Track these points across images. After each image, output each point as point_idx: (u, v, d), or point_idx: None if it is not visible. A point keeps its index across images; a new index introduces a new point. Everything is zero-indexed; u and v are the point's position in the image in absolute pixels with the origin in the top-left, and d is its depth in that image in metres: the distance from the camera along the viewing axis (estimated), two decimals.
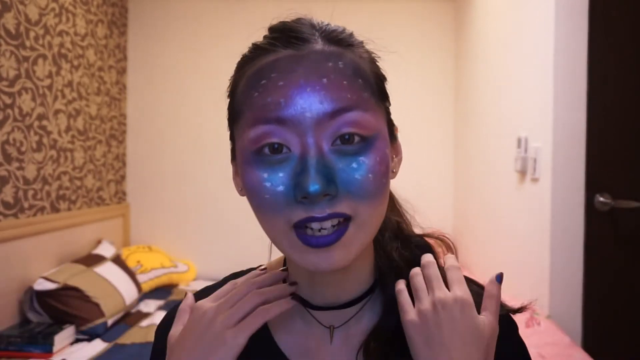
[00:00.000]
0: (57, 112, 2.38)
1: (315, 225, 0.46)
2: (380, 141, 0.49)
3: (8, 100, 2.04)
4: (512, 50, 2.17)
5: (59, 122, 2.40)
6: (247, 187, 0.49)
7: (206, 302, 0.51)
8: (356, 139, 0.47)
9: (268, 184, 0.46)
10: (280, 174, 0.46)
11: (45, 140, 2.29)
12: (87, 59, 2.66)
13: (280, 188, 0.46)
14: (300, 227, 0.46)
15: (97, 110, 2.78)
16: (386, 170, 0.48)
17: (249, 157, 0.48)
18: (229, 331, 0.48)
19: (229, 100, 0.54)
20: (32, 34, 2.18)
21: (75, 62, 2.55)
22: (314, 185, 0.43)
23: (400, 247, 0.58)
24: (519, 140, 2.00)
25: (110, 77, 2.94)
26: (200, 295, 0.62)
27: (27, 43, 2.16)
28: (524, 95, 2.02)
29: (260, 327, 0.56)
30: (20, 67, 2.11)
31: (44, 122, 2.28)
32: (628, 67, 1.70)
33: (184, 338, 0.50)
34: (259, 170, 0.47)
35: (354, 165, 0.46)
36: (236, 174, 0.55)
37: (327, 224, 0.46)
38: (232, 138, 0.54)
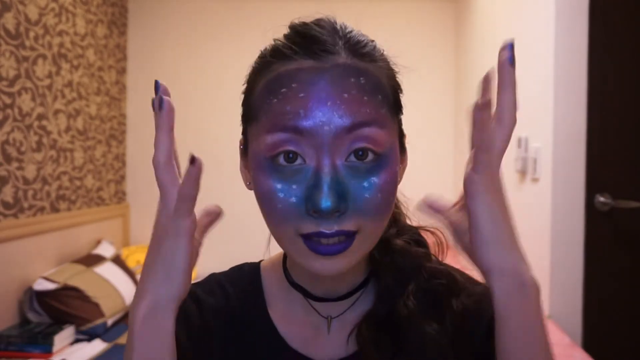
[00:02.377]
0: (56, 112, 2.38)
1: (323, 240, 0.47)
2: (392, 159, 0.50)
3: (8, 100, 2.04)
4: None
5: (59, 122, 2.40)
6: (259, 193, 0.50)
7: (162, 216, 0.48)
8: (370, 155, 0.47)
9: (281, 195, 0.47)
10: (294, 186, 0.47)
11: (45, 140, 2.29)
12: (87, 58, 2.66)
13: (293, 200, 0.47)
14: (308, 238, 0.47)
15: (97, 110, 2.78)
16: (394, 189, 0.50)
17: (264, 164, 0.48)
18: (170, 220, 0.45)
19: (243, 98, 0.54)
20: (31, 34, 2.18)
21: (75, 62, 2.55)
22: (326, 202, 0.44)
23: (397, 235, 0.61)
24: (519, 140, 2.00)
25: (110, 77, 2.94)
26: (206, 282, 0.64)
27: (27, 43, 2.15)
28: (524, 95, 2.01)
29: (263, 317, 0.59)
30: (20, 67, 2.11)
31: (44, 122, 2.28)
32: (628, 67, 1.70)
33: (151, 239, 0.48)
34: (272, 179, 0.48)
35: (365, 184, 0.47)
36: (245, 167, 0.56)
37: (334, 239, 0.47)
38: (245, 134, 0.54)
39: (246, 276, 0.64)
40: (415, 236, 0.62)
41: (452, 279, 0.59)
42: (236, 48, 3.05)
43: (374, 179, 0.47)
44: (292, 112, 0.46)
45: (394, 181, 0.49)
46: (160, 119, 0.46)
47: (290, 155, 0.47)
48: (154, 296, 0.45)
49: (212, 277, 0.65)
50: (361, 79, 0.48)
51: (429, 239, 0.63)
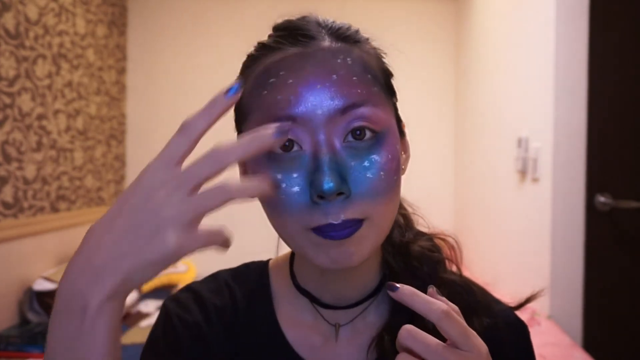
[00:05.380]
0: (56, 112, 2.38)
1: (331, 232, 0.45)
2: (391, 137, 0.48)
3: (7, 100, 2.04)
4: (512, 51, 2.17)
5: (59, 122, 2.40)
6: None
7: (161, 166, 0.36)
8: (367, 134, 0.46)
9: (283, 185, 0.46)
10: (295, 175, 0.46)
11: (44, 140, 2.29)
12: (86, 58, 2.66)
13: (296, 189, 0.45)
14: (317, 230, 0.46)
15: (97, 110, 2.78)
16: (397, 167, 0.48)
17: (260, 158, 0.47)
18: (177, 232, 0.34)
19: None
20: (31, 34, 2.18)
21: (75, 62, 2.54)
22: (328, 183, 0.43)
23: (413, 240, 0.59)
24: (520, 141, 2.00)
25: (110, 76, 2.94)
26: (212, 280, 0.62)
27: (27, 43, 2.15)
28: (524, 95, 2.02)
29: (270, 320, 0.57)
30: (19, 67, 2.11)
31: (44, 122, 2.28)
32: (628, 67, 1.70)
33: (114, 216, 0.35)
34: (272, 171, 0.46)
35: (366, 163, 0.46)
36: (243, 173, 0.54)
37: (341, 227, 0.45)
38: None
39: (253, 275, 0.62)
40: (430, 242, 0.60)
41: (472, 294, 0.57)
42: (236, 48, 3.04)
43: (375, 157, 0.46)
44: (283, 100, 0.46)
45: (396, 159, 0.48)
46: (223, 104, 0.38)
47: (287, 143, 0.46)
48: None
49: (219, 275, 0.63)
50: (348, 59, 0.48)
51: (442, 246, 0.61)
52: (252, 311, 0.58)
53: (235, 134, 0.55)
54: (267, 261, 0.64)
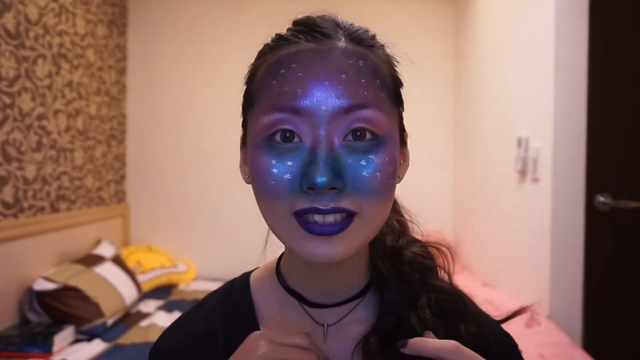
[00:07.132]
0: (56, 112, 2.38)
1: (317, 218, 0.46)
2: (391, 143, 0.49)
3: (8, 100, 2.04)
4: (512, 51, 2.17)
5: (59, 122, 2.40)
6: (253, 171, 0.49)
7: (262, 339, 0.49)
8: (367, 135, 0.47)
9: (275, 170, 0.47)
10: (289, 163, 0.47)
11: (45, 140, 2.29)
12: (86, 58, 2.66)
13: (287, 176, 0.46)
14: (301, 215, 0.46)
15: (97, 110, 2.78)
16: (394, 170, 0.49)
17: (260, 142, 0.48)
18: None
19: (245, 86, 0.54)
20: (31, 34, 2.18)
21: (75, 62, 2.55)
22: (321, 177, 0.44)
23: (406, 246, 0.59)
24: (520, 141, 2.00)
25: (110, 77, 2.94)
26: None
27: (27, 43, 2.15)
28: (524, 95, 2.02)
29: (250, 325, 0.57)
30: (20, 67, 2.11)
31: (44, 122, 2.28)
32: (628, 67, 1.70)
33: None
34: (268, 156, 0.47)
35: (363, 162, 0.47)
36: (244, 162, 0.55)
37: (330, 217, 0.46)
38: (244, 125, 0.54)
39: (237, 292, 0.62)
40: (423, 249, 0.60)
41: (462, 302, 0.57)
42: (236, 48, 3.05)
43: (372, 157, 0.47)
44: (290, 92, 0.47)
45: (393, 164, 0.49)
46: None
47: (287, 134, 0.47)
48: None
49: (207, 300, 0.64)
50: (359, 61, 0.49)
51: (435, 254, 0.61)
52: (237, 329, 0.58)
53: (241, 119, 0.55)
54: (251, 272, 0.64)
